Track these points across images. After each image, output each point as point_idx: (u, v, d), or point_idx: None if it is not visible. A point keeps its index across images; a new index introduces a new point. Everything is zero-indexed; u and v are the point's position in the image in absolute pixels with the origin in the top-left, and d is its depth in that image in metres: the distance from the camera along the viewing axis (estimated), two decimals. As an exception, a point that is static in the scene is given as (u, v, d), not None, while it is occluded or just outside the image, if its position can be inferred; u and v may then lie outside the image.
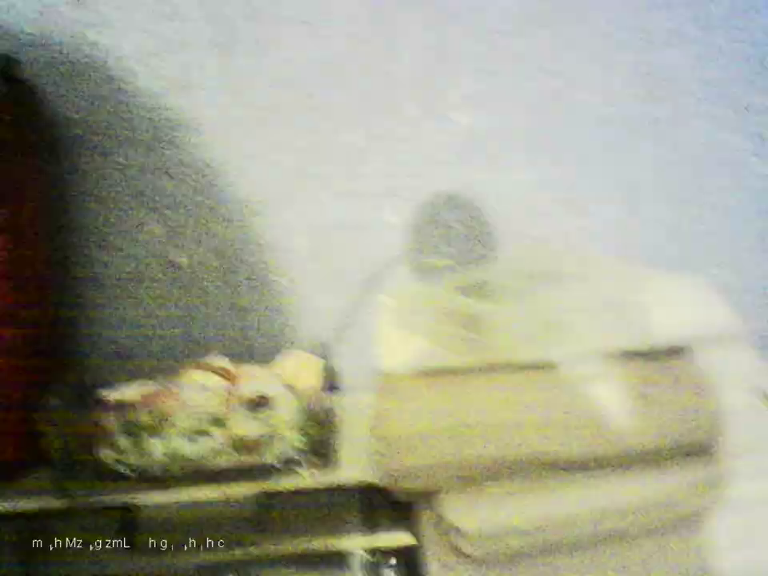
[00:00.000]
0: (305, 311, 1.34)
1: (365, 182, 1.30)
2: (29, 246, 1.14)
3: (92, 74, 1.24)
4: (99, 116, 1.26)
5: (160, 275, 1.32)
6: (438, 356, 1.03)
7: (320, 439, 1.15)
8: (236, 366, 1.22)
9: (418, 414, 0.98)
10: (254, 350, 1.33)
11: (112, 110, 1.26)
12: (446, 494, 0.98)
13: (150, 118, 1.27)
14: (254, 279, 1.33)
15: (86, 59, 1.24)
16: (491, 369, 1.00)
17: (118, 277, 1.31)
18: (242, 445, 1.12)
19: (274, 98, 1.27)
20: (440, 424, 0.97)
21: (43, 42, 1.24)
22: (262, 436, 1.13)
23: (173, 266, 1.32)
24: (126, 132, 1.27)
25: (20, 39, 1.23)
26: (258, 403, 1.14)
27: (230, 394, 1.15)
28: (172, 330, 1.33)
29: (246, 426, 1.13)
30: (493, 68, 1.29)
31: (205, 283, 1.33)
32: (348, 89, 1.27)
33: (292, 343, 1.32)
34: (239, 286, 1.33)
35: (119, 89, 1.25)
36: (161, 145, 1.28)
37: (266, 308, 1.34)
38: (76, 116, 1.25)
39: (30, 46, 1.23)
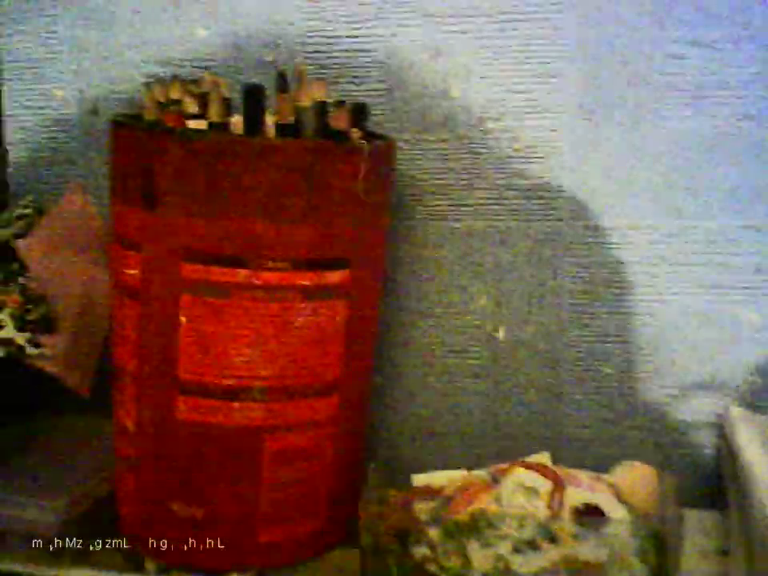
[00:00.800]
0: (638, 408, 1.19)
1: (730, 274, 1.14)
2: (363, 312, 1.04)
3: (443, 130, 1.15)
4: (443, 177, 1.17)
5: (478, 351, 1.21)
6: None
7: (664, 570, 0.99)
8: (558, 467, 1.07)
9: None
10: (570, 450, 1.19)
11: (458, 171, 1.16)
12: None
13: (495, 183, 1.16)
14: (580, 366, 1.20)
15: (437, 113, 1.15)
16: None
17: (432, 348, 1.21)
18: (577, 567, 0.98)
19: (639, 172, 1.13)
20: None
21: (393, 90, 1.16)
22: (600, 559, 0.98)
23: (492, 341, 1.20)
24: (465, 195, 1.17)
25: (369, 85, 1.16)
26: (593, 518, 1.00)
27: (559, 502, 1.02)
28: (484, 413, 1.21)
29: (582, 545, 0.99)
30: None
31: (525, 365, 1.20)
32: (726, 167, 1.12)
33: (618, 445, 1.18)
34: (560, 372, 1.20)
35: (470, 150, 1.15)
36: (498, 210, 1.17)
37: (589, 400, 1.20)
38: (420, 174, 1.16)
39: (379, 93, 1.16)
